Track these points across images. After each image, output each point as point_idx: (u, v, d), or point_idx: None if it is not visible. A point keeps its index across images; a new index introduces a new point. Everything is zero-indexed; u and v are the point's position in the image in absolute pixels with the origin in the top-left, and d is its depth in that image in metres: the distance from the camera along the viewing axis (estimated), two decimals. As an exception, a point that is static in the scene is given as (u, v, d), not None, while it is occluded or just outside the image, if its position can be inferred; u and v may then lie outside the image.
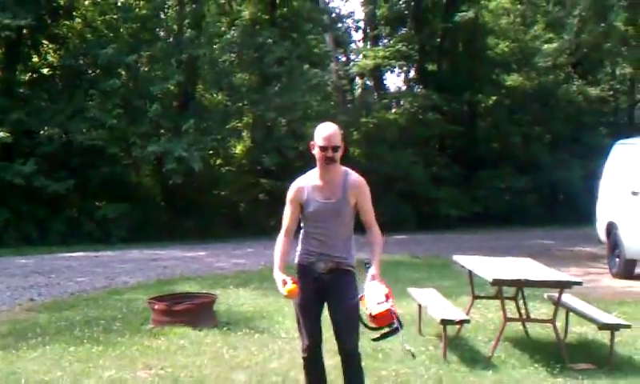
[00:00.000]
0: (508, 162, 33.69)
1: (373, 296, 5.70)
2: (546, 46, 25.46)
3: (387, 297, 5.70)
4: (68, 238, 23.26)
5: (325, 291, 5.94)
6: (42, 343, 8.87)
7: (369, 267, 5.87)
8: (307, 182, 5.99)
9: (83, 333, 9.42)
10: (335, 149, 5.84)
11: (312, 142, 5.93)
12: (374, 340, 6.12)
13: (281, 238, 6.00)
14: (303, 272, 6.01)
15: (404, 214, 29.93)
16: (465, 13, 23.52)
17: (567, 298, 8.96)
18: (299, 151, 27.00)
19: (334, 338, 5.99)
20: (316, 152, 5.89)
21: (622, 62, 33.47)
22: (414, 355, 6.28)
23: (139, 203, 25.97)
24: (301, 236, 6.12)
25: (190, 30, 27.36)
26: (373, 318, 5.72)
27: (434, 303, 9.01)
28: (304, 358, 6.10)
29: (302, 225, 6.09)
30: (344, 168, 6.02)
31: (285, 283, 5.68)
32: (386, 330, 5.82)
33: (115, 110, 24.40)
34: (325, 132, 5.87)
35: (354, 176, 6.05)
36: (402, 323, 5.79)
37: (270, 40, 27.45)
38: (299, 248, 6.11)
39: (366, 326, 5.93)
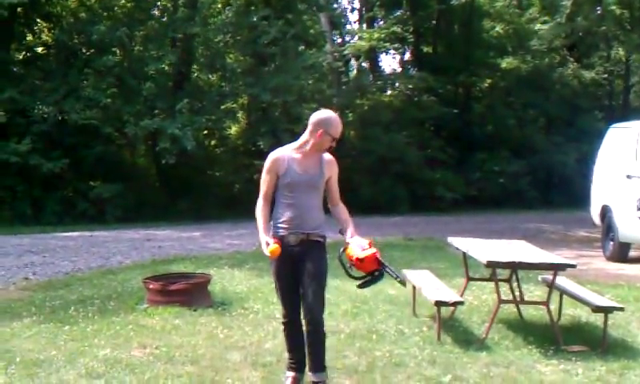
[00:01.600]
0: (503, 145, 33.69)
1: (357, 244, 6.08)
2: (539, 26, 25.37)
3: (370, 245, 6.10)
4: (63, 217, 23.31)
5: (296, 261, 6.18)
6: (36, 322, 8.88)
7: (343, 232, 6.28)
8: (286, 153, 6.28)
9: (78, 312, 9.42)
10: (338, 141, 6.27)
11: (321, 131, 6.16)
12: (359, 287, 6.34)
13: (260, 203, 6.28)
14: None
15: (398, 195, 29.97)
16: None
17: (561, 280, 8.98)
18: (294, 133, 26.98)
19: (303, 303, 6.24)
20: (322, 139, 6.18)
21: (617, 45, 33.48)
22: (404, 283, 6.48)
23: (134, 183, 26.00)
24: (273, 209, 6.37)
25: (184, 10, 27.29)
26: (360, 261, 6.06)
27: (428, 285, 9.02)
28: (284, 324, 6.45)
29: (275, 197, 6.33)
30: None
31: (268, 244, 6.00)
32: (369, 277, 6.19)
33: (110, 89, 24.38)
34: (339, 126, 6.26)
35: (328, 154, 6.35)
36: (385, 265, 6.14)
37: (264, 21, 27.33)
38: (271, 221, 6.32)
39: (350, 275, 6.25)
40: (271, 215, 6.31)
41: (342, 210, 6.39)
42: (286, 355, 6.55)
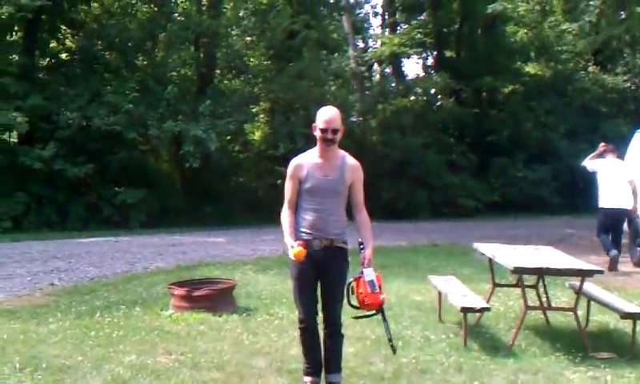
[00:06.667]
0: (525, 151, 33.47)
1: (371, 282, 6.13)
2: (582, 43, 25.23)
3: (380, 286, 6.17)
4: (88, 222, 23.43)
5: (320, 266, 6.20)
6: (62, 328, 8.90)
7: (363, 249, 6.22)
8: (306, 159, 6.30)
9: (103, 318, 9.44)
10: (335, 131, 6.17)
11: (314, 125, 6.24)
12: (355, 318, 6.58)
13: (285, 210, 6.32)
14: None
15: (419, 200, 29.89)
16: (494, 5, 23.32)
17: (588, 286, 8.91)
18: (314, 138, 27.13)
19: (322, 307, 6.31)
20: (317, 134, 6.21)
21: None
22: (394, 349, 6.54)
23: (158, 189, 26.09)
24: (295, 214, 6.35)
25: (207, 14, 27.45)
26: (364, 303, 6.20)
27: (454, 291, 8.97)
28: (300, 329, 6.41)
29: (297, 202, 6.33)
30: (342, 151, 6.35)
31: (292, 247, 6.01)
32: (366, 312, 6.37)
33: (132, 94, 24.49)
34: (325, 115, 6.21)
35: (351, 159, 6.37)
36: (385, 317, 6.32)
37: (286, 23, 27.43)
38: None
39: (350, 304, 6.32)
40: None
41: (365, 223, 6.35)
42: (303, 360, 6.55)
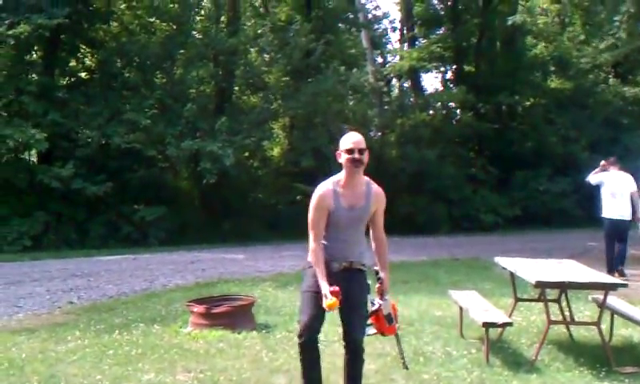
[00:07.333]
0: (546, 164, 33.32)
1: (388, 316, 6.32)
2: (606, 55, 25.18)
3: (395, 316, 6.41)
4: (107, 240, 23.47)
5: (337, 283, 5.98)
6: (81, 346, 8.87)
7: (379, 278, 6.22)
8: (330, 187, 6.14)
9: (122, 336, 9.40)
10: (361, 151, 6.01)
11: (338, 152, 6.10)
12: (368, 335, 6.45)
13: (315, 248, 6.03)
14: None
15: (439, 214, 29.79)
16: (514, 17, 23.39)
17: (612, 300, 8.79)
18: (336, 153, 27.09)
19: (343, 330, 6.18)
20: (343, 159, 6.06)
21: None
22: (406, 366, 6.89)
23: (177, 206, 26.10)
24: None
25: (225, 31, 27.51)
26: (381, 331, 6.44)
27: (475, 306, 8.87)
28: (300, 345, 6.16)
29: None
30: (365, 177, 6.19)
31: (326, 297, 5.78)
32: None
33: (151, 111, 24.55)
34: (351, 138, 6.10)
35: (376, 186, 6.25)
36: (399, 340, 6.80)
37: (303, 39, 27.44)
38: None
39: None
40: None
41: (383, 248, 6.29)
42: (301, 381, 6.29)
